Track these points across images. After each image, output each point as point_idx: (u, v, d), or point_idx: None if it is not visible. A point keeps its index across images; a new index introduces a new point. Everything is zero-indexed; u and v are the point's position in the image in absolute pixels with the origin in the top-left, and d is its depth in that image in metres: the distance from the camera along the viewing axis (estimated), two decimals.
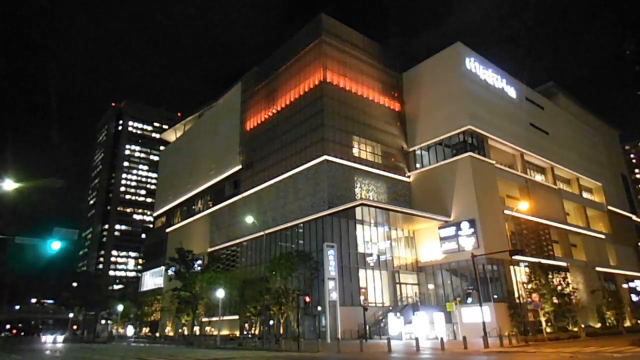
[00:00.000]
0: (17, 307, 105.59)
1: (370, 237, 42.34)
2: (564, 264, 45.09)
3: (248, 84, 58.65)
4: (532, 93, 58.70)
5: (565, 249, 50.31)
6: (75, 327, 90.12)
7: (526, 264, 40.62)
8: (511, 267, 39.04)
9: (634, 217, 71.38)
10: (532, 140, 52.99)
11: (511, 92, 53.33)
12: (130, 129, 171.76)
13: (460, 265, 40.35)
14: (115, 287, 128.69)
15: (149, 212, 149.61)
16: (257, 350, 30.19)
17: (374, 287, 40.44)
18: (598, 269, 52.16)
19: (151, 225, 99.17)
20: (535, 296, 33.31)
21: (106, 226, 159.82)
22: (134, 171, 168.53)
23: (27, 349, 40.81)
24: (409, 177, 48.84)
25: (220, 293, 39.61)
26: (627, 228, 67.69)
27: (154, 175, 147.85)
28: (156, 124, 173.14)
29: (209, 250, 56.82)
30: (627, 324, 47.14)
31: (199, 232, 62.31)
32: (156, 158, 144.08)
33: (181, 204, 70.88)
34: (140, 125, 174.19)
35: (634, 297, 56.01)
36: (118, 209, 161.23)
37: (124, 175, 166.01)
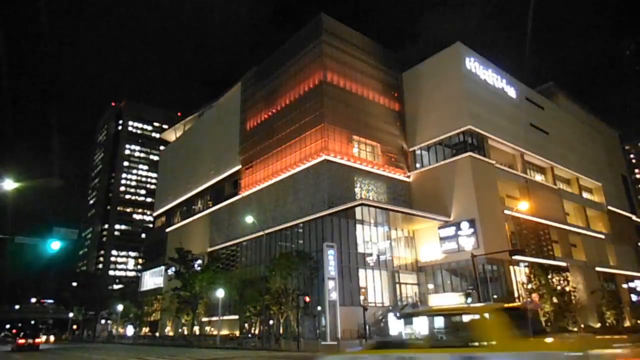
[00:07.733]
0: (17, 307, 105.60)
1: (370, 237, 42.27)
2: (564, 264, 45.03)
3: (248, 84, 58.63)
4: (532, 93, 58.65)
5: (565, 249, 50.28)
6: (75, 327, 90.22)
7: (526, 264, 40.56)
8: (511, 267, 38.99)
9: (634, 217, 71.30)
10: (532, 140, 52.93)
11: (511, 92, 53.30)
12: (130, 128, 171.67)
13: (460, 265, 40.31)
14: (115, 287, 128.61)
15: (149, 212, 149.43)
16: (257, 350, 30.22)
17: (373, 287, 40.38)
18: (598, 269, 52.09)
19: (151, 225, 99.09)
20: (535, 296, 33.29)
21: (106, 226, 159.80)
22: (134, 171, 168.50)
23: None
24: (409, 177, 48.81)
25: (220, 293, 39.60)
26: (627, 228, 67.63)
27: (154, 175, 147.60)
28: (156, 124, 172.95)
29: (209, 250, 56.78)
30: (627, 324, 47.07)
31: (199, 232, 62.27)
32: (156, 158, 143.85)
33: (181, 203, 70.85)
34: (140, 125, 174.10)
35: (634, 297, 55.93)
36: (118, 208, 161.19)
37: (123, 175, 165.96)
